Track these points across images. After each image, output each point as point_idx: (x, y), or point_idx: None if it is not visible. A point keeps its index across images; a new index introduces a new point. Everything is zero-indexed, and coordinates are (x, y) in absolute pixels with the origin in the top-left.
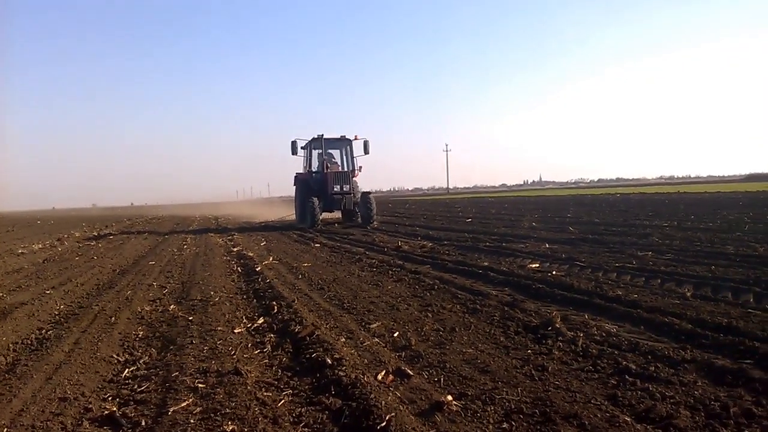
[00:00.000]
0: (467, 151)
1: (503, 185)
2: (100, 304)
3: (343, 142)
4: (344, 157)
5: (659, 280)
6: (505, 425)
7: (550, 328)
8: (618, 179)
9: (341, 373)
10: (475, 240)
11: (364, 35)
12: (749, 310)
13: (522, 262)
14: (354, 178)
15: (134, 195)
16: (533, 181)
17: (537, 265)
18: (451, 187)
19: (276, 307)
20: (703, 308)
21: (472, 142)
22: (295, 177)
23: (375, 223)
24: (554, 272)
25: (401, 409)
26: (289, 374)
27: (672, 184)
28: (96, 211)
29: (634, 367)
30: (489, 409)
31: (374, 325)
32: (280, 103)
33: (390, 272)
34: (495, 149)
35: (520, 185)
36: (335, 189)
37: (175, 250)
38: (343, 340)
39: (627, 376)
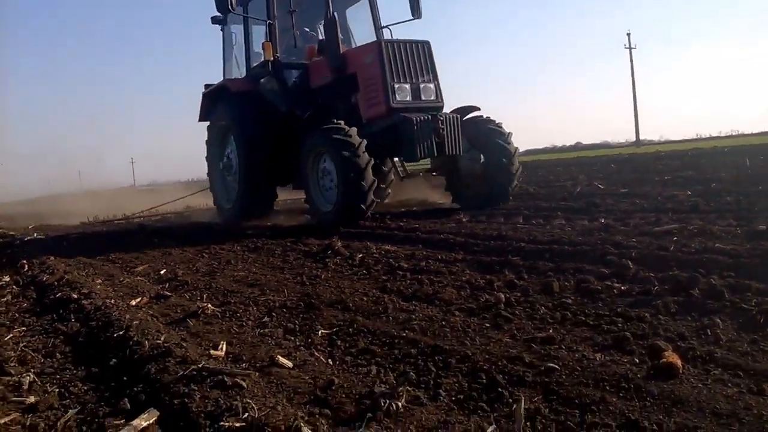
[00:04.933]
0: None
1: None
2: None
3: None
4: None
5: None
6: (266, 319)
7: (330, 251)
8: None
9: (86, 303)
10: None
11: None
12: (518, 225)
13: None
14: None
15: None
16: None
17: None
18: None
19: (27, 266)
20: (476, 227)
21: None
22: (217, 89)
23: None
24: None
25: (149, 320)
26: (27, 315)
27: None
28: None
29: (406, 265)
30: (251, 310)
31: (140, 268)
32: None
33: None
34: None
35: None
36: (398, 97)
37: None
38: (100, 281)
39: (399, 272)
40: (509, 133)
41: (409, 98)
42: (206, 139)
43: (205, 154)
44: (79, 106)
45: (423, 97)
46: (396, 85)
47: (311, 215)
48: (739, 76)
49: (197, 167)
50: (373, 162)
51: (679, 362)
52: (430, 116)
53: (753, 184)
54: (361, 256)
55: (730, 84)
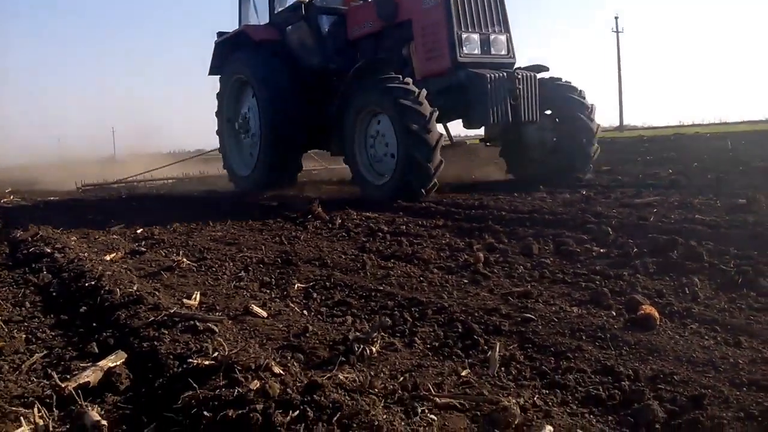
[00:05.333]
0: None
1: None
2: None
3: None
4: None
5: None
6: (242, 273)
7: (310, 216)
8: None
9: (59, 256)
10: None
11: None
12: (499, 197)
13: None
14: None
15: None
16: None
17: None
18: None
19: (2, 224)
20: (457, 197)
21: None
22: (234, 37)
23: (590, 173)
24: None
25: (122, 272)
26: None
27: None
28: None
29: (386, 228)
30: (227, 265)
31: (116, 228)
32: None
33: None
34: None
35: None
36: (466, 49)
37: None
38: (75, 238)
39: (378, 234)
40: (584, 96)
41: (477, 51)
42: (218, 93)
43: (216, 112)
44: (60, 70)
45: (493, 51)
46: (463, 35)
47: (361, 189)
48: (726, 66)
49: (178, 140)
50: (437, 114)
51: (656, 314)
52: (505, 74)
53: (734, 165)
54: (341, 220)
55: (716, 73)
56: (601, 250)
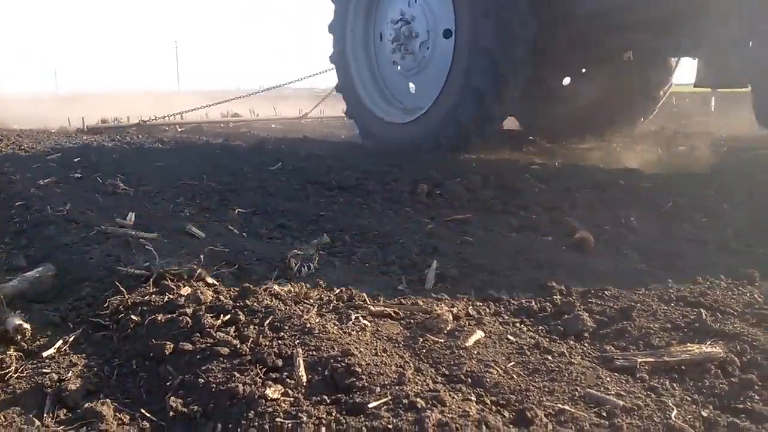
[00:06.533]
0: None
1: None
2: None
3: None
4: None
5: None
6: (181, 199)
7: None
8: None
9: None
10: None
11: None
12: None
13: None
14: None
15: None
16: None
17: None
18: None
19: None
20: None
21: None
22: None
23: None
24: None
25: (55, 195)
26: None
27: None
28: None
29: (331, 163)
30: (167, 191)
31: (53, 156)
32: None
33: None
34: None
35: None
36: None
37: None
38: (9, 164)
39: (323, 166)
40: None
41: None
42: None
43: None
44: None
45: None
46: None
47: None
48: None
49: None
50: None
51: (591, 239)
52: None
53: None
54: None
55: None
56: (543, 186)
